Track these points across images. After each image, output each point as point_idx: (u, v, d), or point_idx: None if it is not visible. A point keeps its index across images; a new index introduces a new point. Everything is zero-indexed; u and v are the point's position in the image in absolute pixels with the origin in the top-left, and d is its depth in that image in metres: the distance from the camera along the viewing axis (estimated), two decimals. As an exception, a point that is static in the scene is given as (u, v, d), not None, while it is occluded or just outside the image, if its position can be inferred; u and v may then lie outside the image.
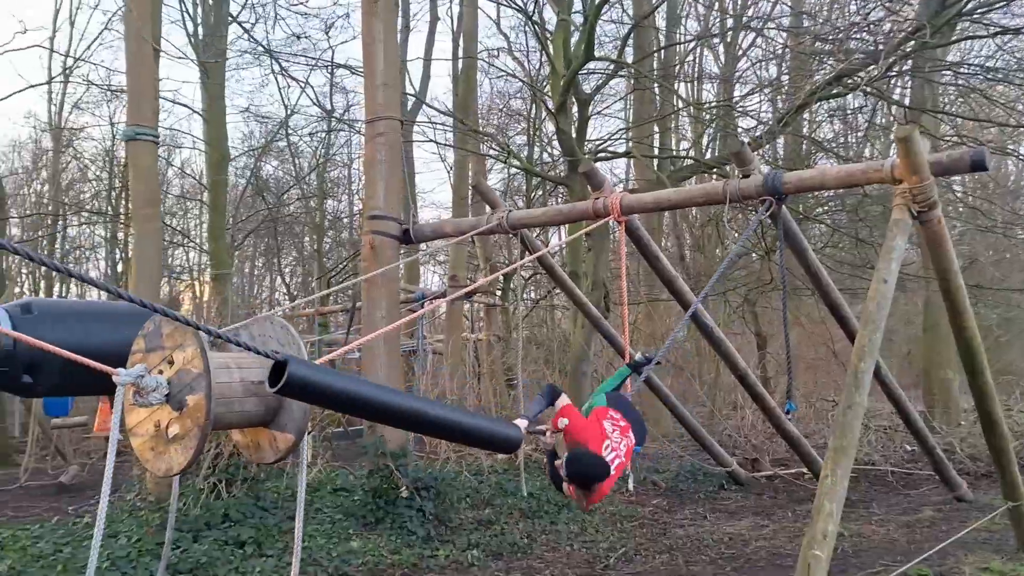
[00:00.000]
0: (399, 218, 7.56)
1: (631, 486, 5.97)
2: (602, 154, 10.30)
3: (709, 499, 8.62)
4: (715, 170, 10.39)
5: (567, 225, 10.06)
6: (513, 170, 19.67)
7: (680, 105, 12.30)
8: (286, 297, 22.91)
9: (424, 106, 16.49)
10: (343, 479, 8.55)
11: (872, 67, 8.15)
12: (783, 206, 5.73)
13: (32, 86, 17.21)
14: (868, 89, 8.19)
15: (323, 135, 18.42)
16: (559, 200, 18.50)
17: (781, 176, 5.60)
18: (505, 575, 6.10)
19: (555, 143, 20.46)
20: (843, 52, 8.47)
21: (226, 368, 3.91)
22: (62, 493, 10.50)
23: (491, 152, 14.27)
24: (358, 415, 4.57)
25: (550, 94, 10.84)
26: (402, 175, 7.96)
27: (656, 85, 11.25)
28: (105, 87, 16.12)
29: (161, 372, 3.80)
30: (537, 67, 18.64)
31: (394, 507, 7.18)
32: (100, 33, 24.33)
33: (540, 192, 18.29)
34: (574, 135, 9.73)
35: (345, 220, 23.67)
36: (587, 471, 3.68)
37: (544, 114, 19.36)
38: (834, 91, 8.79)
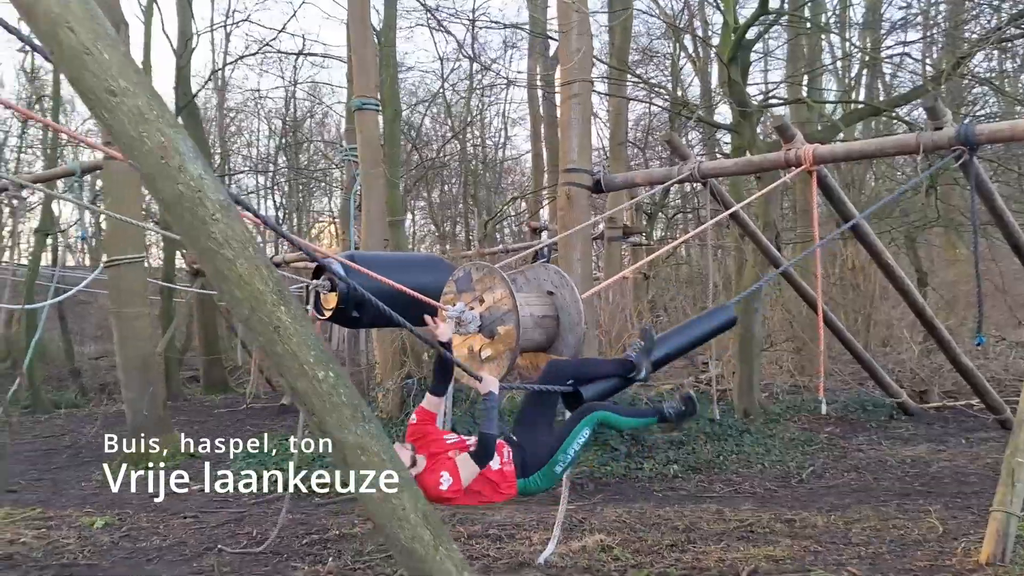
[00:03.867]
0: (591, 170, 8.34)
1: (824, 410, 6.67)
2: (772, 100, 10.67)
3: (880, 428, 9.17)
4: (886, 114, 10.57)
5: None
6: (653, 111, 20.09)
7: (851, 50, 12.37)
8: (437, 238, 24.25)
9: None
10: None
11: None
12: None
13: (240, 58, 18.71)
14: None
15: (475, 87, 19.31)
16: (696, 141, 18.88)
17: (974, 128, 5.98)
18: (708, 486, 6.98)
19: (695, 84, 20.74)
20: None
21: (521, 306, 4.87)
22: (284, 413, 12.14)
23: (657, 103, 14.67)
24: None
25: (718, 45, 11.24)
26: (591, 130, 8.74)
27: (814, 32, 11.42)
28: (278, 52, 17.50)
29: (472, 308, 4.83)
30: (680, 9, 18.80)
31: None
32: None
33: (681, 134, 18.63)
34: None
35: (478, 164, 24.63)
36: None
37: (683, 56, 19.64)
38: (1008, 33, 8.82)
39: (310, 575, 4.80)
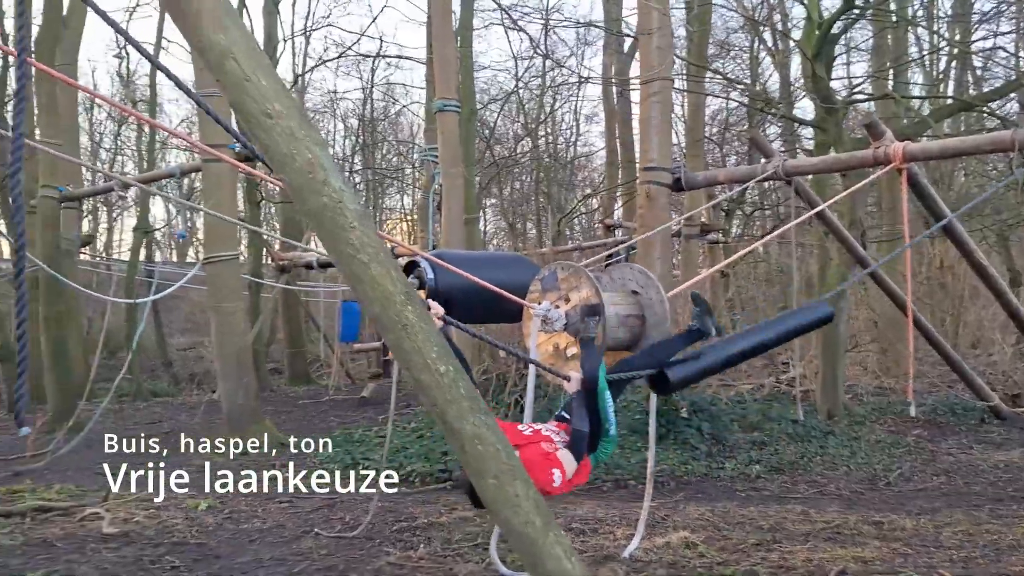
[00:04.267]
0: (671, 168, 8.36)
1: (913, 412, 6.56)
2: (858, 96, 10.45)
3: (971, 431, 8.92)
4: (977, 109, 10.24)
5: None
6: (730, 107, 19.88)
7: (939, 43, 12.03)
8: (509, 236, 24.47)
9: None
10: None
11: None
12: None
13: (323, 61, 19.32)
14: None
15: (549, 85, 19.44)
16: (774, 136, 18.60)
17: (1078, 122, 5.81)
18: (792, 487, 6.94)
19: (772, 77, 20.40)
20: None
21: (607, 305, 4.97)
22: (364, 405, 12.53)
23: (734, 98, 14.53)
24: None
25: (800, 39, 11.09)
26: (672, 128, 8.76)
27: (901, 25, 11.13)
28: (357, 55, 18.00)
29: (557, 307, 4.95)
30: (759, 2, 18.51)
31: (675, 426, 8.19)
32: None
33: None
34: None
35: (552, 161, 24.70)
36: None
37: (762, 51, 19.33)
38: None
39: (402, 560, 5.01)
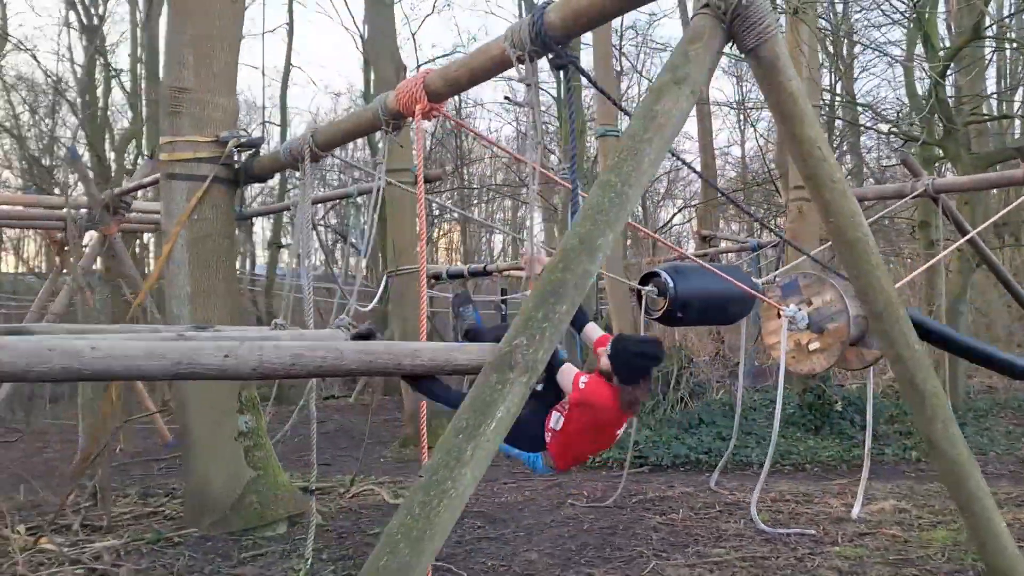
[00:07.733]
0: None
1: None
2: (973, 117, 11.28)
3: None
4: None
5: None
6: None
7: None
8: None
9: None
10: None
11: None
12: None
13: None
14: None
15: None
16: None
17: None
18: (953, 467, 7.83)
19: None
20: None
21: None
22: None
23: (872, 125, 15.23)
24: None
25: (904, 59, 11.99)
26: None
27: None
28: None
29: (800, 310, 5.92)
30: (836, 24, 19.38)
31: (828, 419, 9.12)
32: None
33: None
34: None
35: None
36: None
37: (835, 73, 20.19)
38: None
39: (667, 522, 5.99)
